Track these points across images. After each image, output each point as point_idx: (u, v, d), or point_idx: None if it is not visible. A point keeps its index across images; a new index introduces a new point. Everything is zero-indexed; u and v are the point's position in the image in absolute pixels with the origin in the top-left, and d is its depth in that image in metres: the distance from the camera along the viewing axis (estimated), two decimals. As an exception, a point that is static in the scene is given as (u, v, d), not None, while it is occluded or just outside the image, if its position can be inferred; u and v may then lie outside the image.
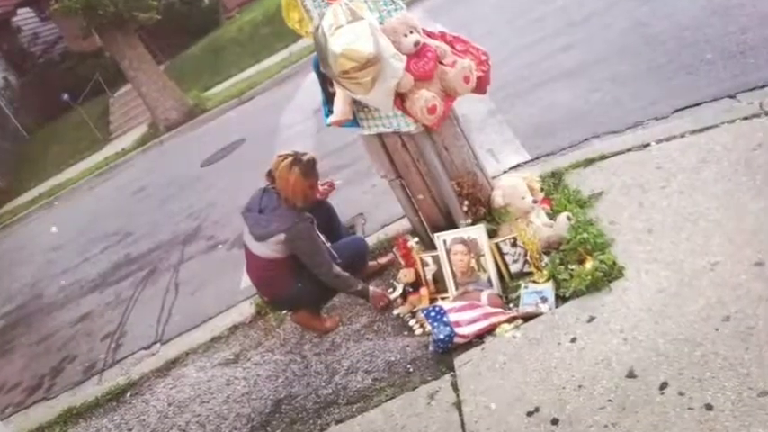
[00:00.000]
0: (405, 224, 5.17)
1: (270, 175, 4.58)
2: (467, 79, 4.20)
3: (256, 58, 19.70)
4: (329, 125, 4.40)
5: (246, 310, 5.65)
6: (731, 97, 5.09)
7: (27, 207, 17.44)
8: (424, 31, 4.22)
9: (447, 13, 11.22)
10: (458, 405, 3.57)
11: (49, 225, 14.35)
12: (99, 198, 14.64)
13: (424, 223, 4.70)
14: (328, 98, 4.40)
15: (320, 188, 4.87)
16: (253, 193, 4.71)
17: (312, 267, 4.57)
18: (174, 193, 11.30)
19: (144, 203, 11.77)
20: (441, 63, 4.15)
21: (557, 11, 9.36)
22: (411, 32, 4.08)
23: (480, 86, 4.35)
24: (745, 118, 4.58)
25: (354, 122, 4.43)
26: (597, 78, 6.64)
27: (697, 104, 5.25)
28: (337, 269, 4.62)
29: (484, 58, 4.34)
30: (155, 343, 6.31)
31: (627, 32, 7.24)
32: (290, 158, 4.50)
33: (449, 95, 4.25)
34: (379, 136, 4.42)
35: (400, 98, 4.13)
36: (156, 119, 17.58)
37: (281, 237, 4.48)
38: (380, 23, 4.07)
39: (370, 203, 6.40)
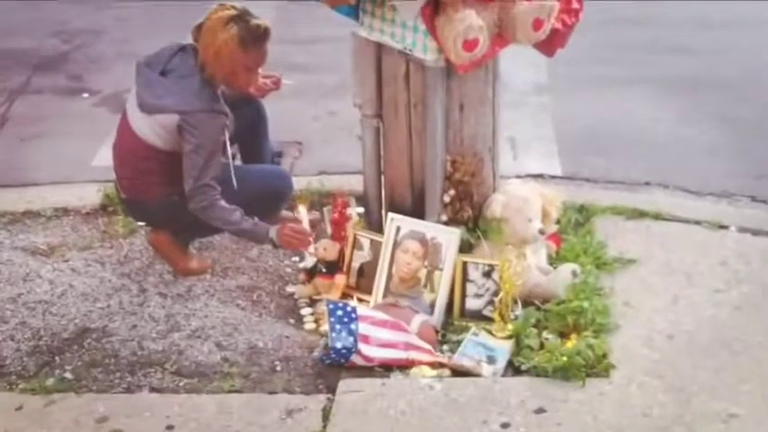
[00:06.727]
0: (354, 183, 4.54)
1: (198, 30, 3.83)
2: (538, 24, 3.53)
3: None
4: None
5: (89, 196, 4.89)
6: None
7: None
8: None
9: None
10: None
11: None
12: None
13: (383, 193, 4.15)
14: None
15: (259, 79, 4.15)
16: (164, 45, 3.94)
17: (187, 180, 3.82)
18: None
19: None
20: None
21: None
22: None
23: (550, 44, 3.71)
24: None
25: (354, 11, 3.74)
26: (701, 108, 6.05)
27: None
28: (221, 202, 3.89)
29: (576, 6, 3.66)
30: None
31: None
32: (234, 12, 3.76)
33: (502, 37, 3.58)
34: (379, 48, 3.77)
35: (433, 8, 3.43)
36: None
37: (174, 118, 3.77)
38: None
39: (316, 134, 5.76)
